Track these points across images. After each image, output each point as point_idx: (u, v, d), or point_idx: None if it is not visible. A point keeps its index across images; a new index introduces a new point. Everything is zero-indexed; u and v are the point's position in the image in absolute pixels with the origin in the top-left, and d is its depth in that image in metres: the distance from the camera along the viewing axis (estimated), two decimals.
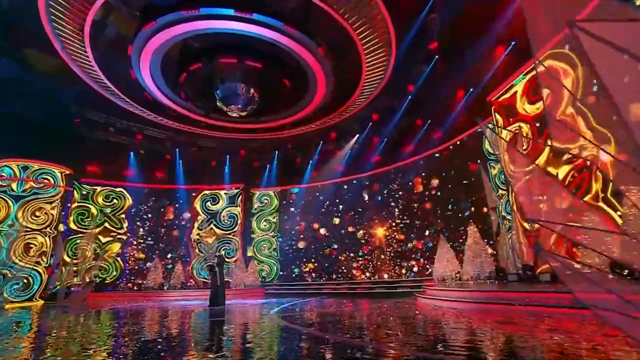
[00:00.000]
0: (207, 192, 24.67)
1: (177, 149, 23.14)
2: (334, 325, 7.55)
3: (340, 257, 22.16)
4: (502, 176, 16.01)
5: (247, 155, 23.98)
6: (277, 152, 23.78)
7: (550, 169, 12.43)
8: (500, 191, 16.06)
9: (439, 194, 18.93)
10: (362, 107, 19.12)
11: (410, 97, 18.08)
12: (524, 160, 13.52)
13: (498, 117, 14.86)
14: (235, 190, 24.62)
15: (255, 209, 25.09)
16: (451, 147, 18.28)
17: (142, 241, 23.20)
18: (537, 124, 12.74)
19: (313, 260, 23.01)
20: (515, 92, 13.84)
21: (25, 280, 17.95)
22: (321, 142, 22.52)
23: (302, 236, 23.62)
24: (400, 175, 20.68)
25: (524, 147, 13.53)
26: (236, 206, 24.46)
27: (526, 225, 13.15)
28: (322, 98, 18.08)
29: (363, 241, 21.77)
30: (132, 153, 22.88)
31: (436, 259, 15.31)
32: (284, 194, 24.81)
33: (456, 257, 15.22)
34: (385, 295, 16.54)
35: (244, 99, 16.98)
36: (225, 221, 24.22)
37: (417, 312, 9.71)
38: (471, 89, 17.09)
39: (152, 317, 10.56)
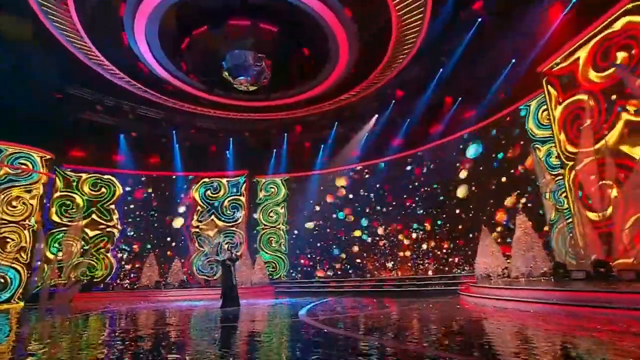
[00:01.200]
0: (206, 179, 22.82)
1: (174, 131, 21.22)
2: (399, 333, 5.98)
3: (361, 253, 20.60)
4: (551, 160, 14.51)
5: (253, 138, 22.09)
6: (286, 134, 21.96)
7: (625, 148, 10.92)
8: (548, 176, 14.59)
9: (473, 180, 17.36)
10: (386, 82, 17.41)
11: (442, 69, 16.40)
12: (588, 139, 12.10)
13: (551, 90, 13.30)
14: (239, 178, 22.80)
15: (260, 198, 23.33)
16: (489, 126, 16.68)
17: (134, 235, 21.33)
18: (610, 96, 11.16)
19: (328, 255, 21.40)
20: (577, 58, 12.25)
21: (2, 280, 16.05)
22: (336, 123, 20.75)
23: (315, 229, 21.95)
24: (427, 159, 19.09)
25: (588, 123, 11.98)
26: (240, 195, 22.68)
27: (592, 215, 11.66)
28: (343, 70, 16.34)
29: (384, 235, 20.20)
30: (122, 135, 20.92)
31: (478, 252, 13.82)
32: (292, 181, 23.04)
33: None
34: (414, 294, 15.02)
35: (254, 70, 15.15)
36: (228, 212, 22.44)
37: (483, 315, 8.13)
38: (512, 60, 15.48)
39: (159, 321, 8.86)
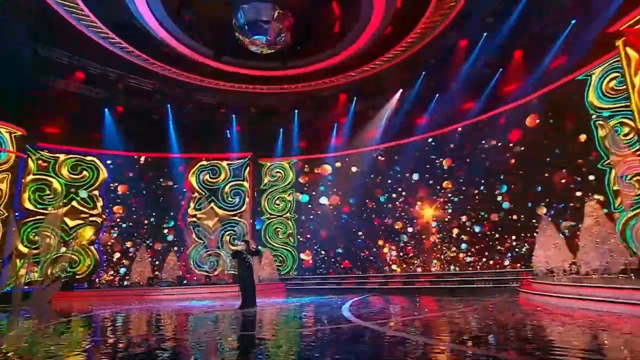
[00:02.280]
0: (204, 162, 20.56)
1: (168, 105, 18.82)
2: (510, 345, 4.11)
3: (381, 246, 18.75)
4: (614, 139, 12.78)
5: (258, 115, 19.81)
6: (297, 111, 19.79)
7: None
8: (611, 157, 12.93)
9: (520, 162, 15.57)
10: (418, 49, 15.46)
11: (486, 32, 14.55)
12: None
13: (630, 52, 11.57)
14: (241, 161, 20.61)
15: (266, 184, 21.22)
16: (543, 98, 14.84)
17: (122, 224, 19.01)
18: None
19: (343, 247, 19.48)
20: None
21: None
22: (355, 98, 18.72)
23: (330, 219, 19.96)
24: (461, 139, 17.22)
25: None
26: (243, 180, 20.51)
27: None
28: (373, 33, 14.28)
29: (409, 224, 18.34)
30: (107, 110, 18.44)
31: (537, 245, 12.14)
32: (304, 165, 20.92)
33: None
34: (452, 292, 13.26)
35: (272, 29, 12.98)
36: (230, 199, 20.27)
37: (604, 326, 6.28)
38: (572, 20, 13.67)
39: (173, 327, 6.78)
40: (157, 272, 18.07)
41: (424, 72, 16.83)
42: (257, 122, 20.21)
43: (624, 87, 12.47)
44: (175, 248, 19.18)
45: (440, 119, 17.40)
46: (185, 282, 18.32)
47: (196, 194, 20.20)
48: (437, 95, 17.23)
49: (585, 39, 13.32)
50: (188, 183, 20.22)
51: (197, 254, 19.57)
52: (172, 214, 19.80)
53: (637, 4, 11.14)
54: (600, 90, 13.39)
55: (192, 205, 20.07)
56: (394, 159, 19.04)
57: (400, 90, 17.96)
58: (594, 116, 13.56)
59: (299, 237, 20.58)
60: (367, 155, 19.69)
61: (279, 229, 20.79)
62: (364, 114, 19.17)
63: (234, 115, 19.78)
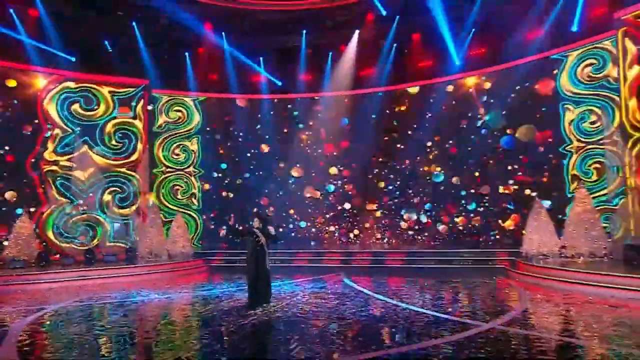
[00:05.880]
0: (71, 84, 14.80)
1: None
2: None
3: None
4: (583, 125, 13.97)
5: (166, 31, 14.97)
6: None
7: None
8: (576, 143, 14.20)
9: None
10: None
11: None
12: None
13: (629, 45, 12.43)
14: (132, 90, 15.60)
15: (160, 126, 16.70)
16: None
17: None
18: None
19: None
20: None
21: None
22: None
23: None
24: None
25: None
26: (134, 118, 15.64)
27: None
28: None
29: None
30: None
31: (528, 228, 12.70)
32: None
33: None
34: (418, 272, 12.60)
35: None
36: (114, 143, 15.29)
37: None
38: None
39: None
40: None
41: None
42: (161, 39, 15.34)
43: (600, 74, 13.62)
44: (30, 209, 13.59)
45: None
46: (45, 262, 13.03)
47: (58, 130, 14.50)
48: None
49: (571, 17, 13.87)
50: (44, 113, 14.31)
51: (59, 217, 14.33)
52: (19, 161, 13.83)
53: None
54: (575, 75, 14.25)
55: (51, 146, 14.37)
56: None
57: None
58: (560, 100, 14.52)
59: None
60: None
61: (177, 187, 16.88)
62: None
63: (134, 23, 14.43)
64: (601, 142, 13.56)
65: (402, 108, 17.36)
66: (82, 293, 9.76)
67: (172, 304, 8.76)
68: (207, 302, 8.32)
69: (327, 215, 17.53)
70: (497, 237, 15.55)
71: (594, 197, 12.92)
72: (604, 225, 12.52)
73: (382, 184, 17.33)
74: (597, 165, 13.71)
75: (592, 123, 13.86)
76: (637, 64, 12.19)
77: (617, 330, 5.69)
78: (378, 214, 17.21)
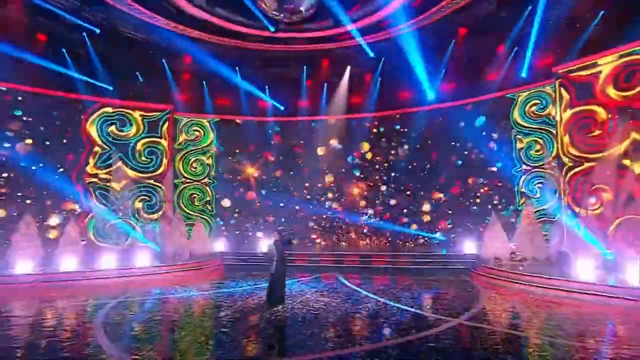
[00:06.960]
0: (109, 109, 17.62)
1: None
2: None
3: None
4: (531, 152, 17.44)
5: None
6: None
7: (627, 162, 14.24)
8: (524, 166, 17.65)
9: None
10: None
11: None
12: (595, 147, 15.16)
13: (564, 93, 15.78)
14: (158, 114, 18.51)
15: (180, 143, 19.64)
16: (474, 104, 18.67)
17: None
18: (624, 114, 14.03)
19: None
20: (599, 72, 14.86)
21: None
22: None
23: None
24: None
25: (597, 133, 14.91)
26: (160, 137, 18.53)
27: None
28: None
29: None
30: None
31: (486, 237, 15.84)
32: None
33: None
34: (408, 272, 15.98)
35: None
36: (143, 158, 18.15)
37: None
38: (515, 48, 17.33)
39: None
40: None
41: None
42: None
43: (543, 113, 17.15)
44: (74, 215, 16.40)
45: None
46: None
47: (98, 148, 17.32)
48: None
49: (520, 65, 17.35)
50: (87, 133, 17.13)
51: (99, 222, 17.16)
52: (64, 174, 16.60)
53: (582, 55, 15.21)
54: (524, 112, 17.76)
55: (92, 161, 17.19)
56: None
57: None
58: (513, 131, 17.99)
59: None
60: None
61: (194, 196, 19.89)
62: None
63: (164, 60, 17.41)
64: (543, 166, 17.15)
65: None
66: (128, 289, 12.10)
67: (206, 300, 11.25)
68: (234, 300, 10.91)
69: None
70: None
71: (536, 211, 16.47)
72: (544, 234, 16.05)
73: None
74: (540, 185, 17.33)
75: (537, 151, 17.45)
76: (569, 108, 15.73)
77: (550, 323, 8.18)
78: None
